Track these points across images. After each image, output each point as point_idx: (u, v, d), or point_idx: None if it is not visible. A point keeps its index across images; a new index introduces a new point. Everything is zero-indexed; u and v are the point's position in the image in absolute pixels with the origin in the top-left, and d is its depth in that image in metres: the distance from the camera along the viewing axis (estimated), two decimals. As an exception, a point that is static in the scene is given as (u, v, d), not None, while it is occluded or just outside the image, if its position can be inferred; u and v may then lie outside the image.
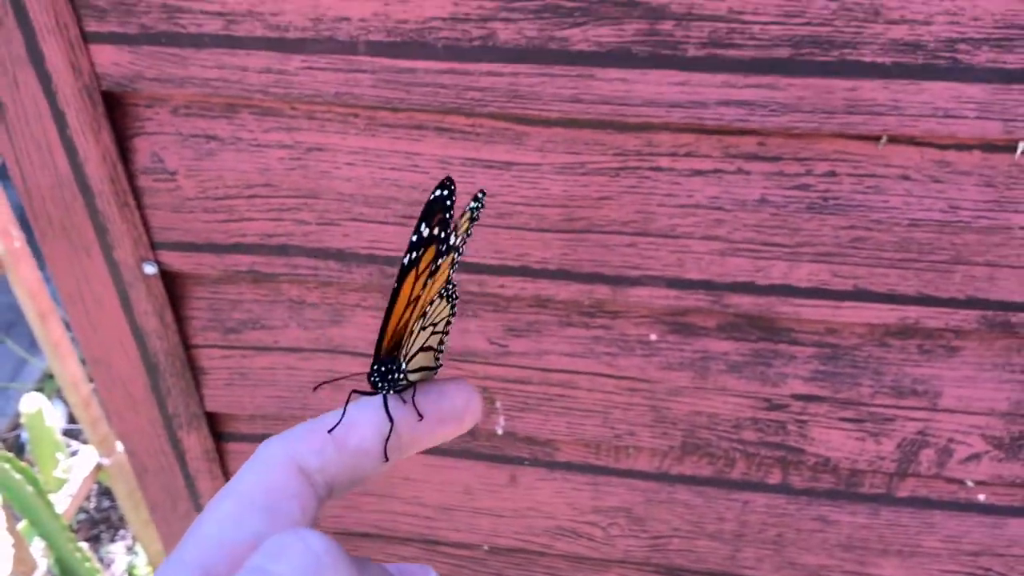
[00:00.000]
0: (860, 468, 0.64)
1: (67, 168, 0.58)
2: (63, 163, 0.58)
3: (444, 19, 0.49)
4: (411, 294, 0.33)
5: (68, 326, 1.48)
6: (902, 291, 0.55)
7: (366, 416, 0.30)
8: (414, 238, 0.32)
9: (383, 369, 0.32)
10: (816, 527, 0.69)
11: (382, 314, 0.34)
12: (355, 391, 0.32)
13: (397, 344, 0.33)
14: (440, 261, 0.33)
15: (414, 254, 0.33)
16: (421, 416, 0.31)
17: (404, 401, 0.31)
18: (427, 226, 0.33)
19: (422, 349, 0.33)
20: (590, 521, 0.73)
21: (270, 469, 0.27)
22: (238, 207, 0.60)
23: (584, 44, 0.49)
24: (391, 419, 0.30)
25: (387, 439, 0.30)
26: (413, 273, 0.33)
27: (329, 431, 0.29)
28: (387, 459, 0.30)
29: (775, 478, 0.67)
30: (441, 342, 0.35)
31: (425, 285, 0.33)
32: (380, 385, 0.32)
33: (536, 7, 0.48)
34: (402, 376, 0.32)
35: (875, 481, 0.66)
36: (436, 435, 0.31)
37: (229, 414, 0.73)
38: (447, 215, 0.33)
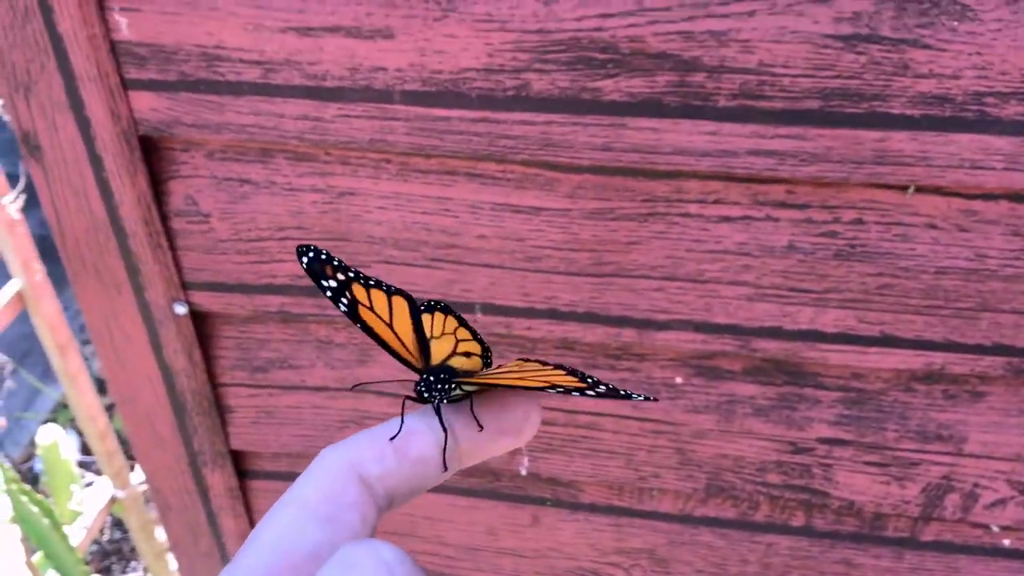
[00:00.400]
0: (884, 512, 0.65)
1: (102, 210, 0.59)
2: (98, 206, 0.59)
3: (478, 70, 0.50)
4: (388, 320, 0.34)
5: (85, 358, 1.49)
6: (928, 337, 0.56)
7: (426, 425, 0.29)
8: (328, 294, 0.33)
9: (431, 379, 0.32)
10: (840, 570, 0.69)
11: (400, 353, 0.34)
12: (408, 398, 0.32)
13: (428, 354, 0.33)
14: (371, 289, 0.33)
15: (344, 299, 0.33)
16: (481, 427, 0.31)
17: (463, 411, 0.31)
18: (327, 280, 0.33)
19: (457, 354, 0.33)
20: (612, 562, 0.73)
21: (330, 477, 0.27)
22: (270, 249, 0.60)
23: (616, 94, 0.50)
24: (444, 429, 0.30)
25: (444, 449, 0.30)
26: (362, 310, 0.33)
27: (391, 440, 0.28)
28: (446, 469, 0.30)
29: (799, 521, 0.68)
30: (486, 349, 0.35)
31: (392, 309, 0.33)
32: (427, 396, 0.32)
33: (569, 59, 0.49)
34: (454, 387, 0.32)
35: (899, 525, 0.66)
36: (496, 446, 0.31)
37: (254, 452, 0.73)
38: (334, 262, 0.33)
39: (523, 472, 0.69)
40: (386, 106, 0.52)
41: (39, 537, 1.14)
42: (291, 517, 0.26)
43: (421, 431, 0.29)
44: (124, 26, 0.52)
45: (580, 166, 0.54)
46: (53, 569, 1.20)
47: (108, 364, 0.68)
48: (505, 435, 0.31)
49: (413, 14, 0.49)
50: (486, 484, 0.72)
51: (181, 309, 0.63)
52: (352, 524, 0.26)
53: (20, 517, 1.11)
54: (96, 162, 0.57)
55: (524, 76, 0.50)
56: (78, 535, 1.23)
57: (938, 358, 0.57)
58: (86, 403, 1.22)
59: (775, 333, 0.57)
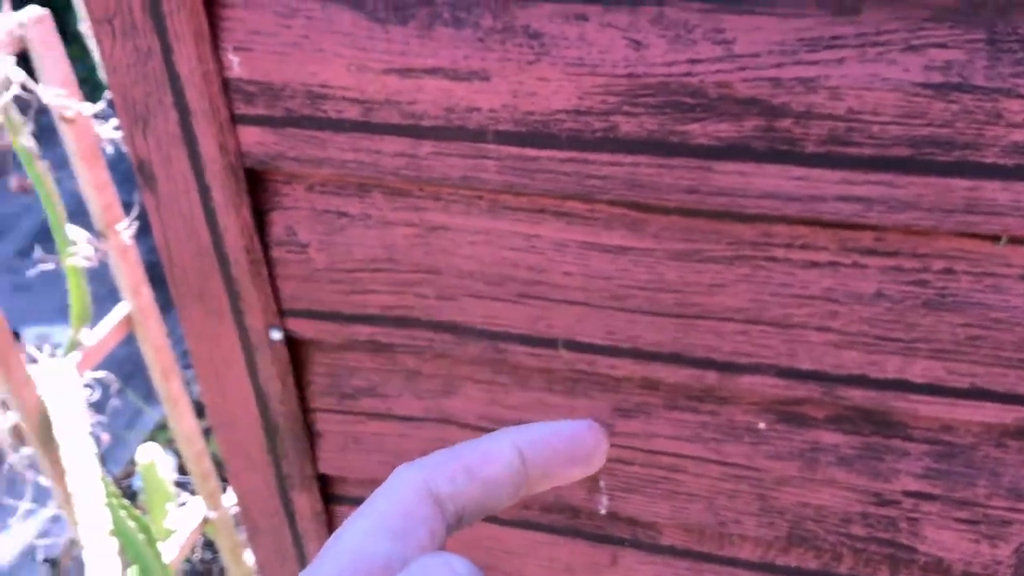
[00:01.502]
0: (974, 571, 0.63)
1: (208, 239, 0.63)
2: (204, 234, 0.62)
3: (569, 112, 0.52)
4: None
5: (186, 383, 1.55)
6: (1022, 392, 0.54)
7: (500, 448, 0.31)
8: None
9: None
10: (926, 629, 0.67)
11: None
12: None
13: None
14: None
15: None
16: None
17: (535, 438, 0.31)
18: None
19: None
20: (690, 607, 0.72)
21: (403, 493, 0.28)
22: (362, 280, 0.63)
23: (703, 138, 0.51)
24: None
25: (514, 474, 0.30)
26: None
27: (464, 461, 0.30)
28: (516, 494, 0.31)
29: (884, 575, 0.66)
30: None
31: None
32: None
33: (657, 103, 0.50)
34: None
35: (990, 586, 0.64)
36: (565, 475, 0.32)
37: (340, 477, 0.75)
38: None
39: (602, 511, 0.69)
40: (479, 145, 0.54)
41: (135, 551, 1.18)
42: (366, 528, 0.27)
43: (495, 454, 0.30)
44: (236, 64, 0.56)
45: (667, 207, 0.55)
46: (146, 584, 1.24)
47: (208, 388, 0.71)
48: (575, 465, 0.32)
49: (508, 57, 0.51)
50: (566, 521, 0.72)
51: (277, 335, 0.66)
52: (421, 539, 0.27)
53: (118, 531, 1.15)
54: (204, 192, 0.60)
55: (613, 118, 0.51)
56: (171, 552, 1.28)
57: (1032, 414, 0.55)
58: (185, 425, 1.27)
59: (861, 381, 0.57)
